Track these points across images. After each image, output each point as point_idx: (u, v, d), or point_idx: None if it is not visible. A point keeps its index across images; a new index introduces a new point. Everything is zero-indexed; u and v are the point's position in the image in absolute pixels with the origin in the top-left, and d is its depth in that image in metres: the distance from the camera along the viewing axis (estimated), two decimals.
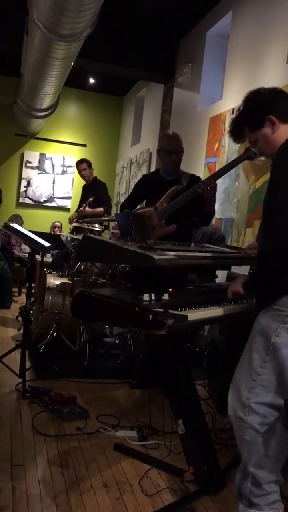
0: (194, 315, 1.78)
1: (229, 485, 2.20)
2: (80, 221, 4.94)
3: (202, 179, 3.33)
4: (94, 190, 5.71)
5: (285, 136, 1.79)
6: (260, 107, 1.82)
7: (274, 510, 1.73)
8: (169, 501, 2.03)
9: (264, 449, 1.70)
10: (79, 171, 5.87)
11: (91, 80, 8.78)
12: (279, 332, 1.64)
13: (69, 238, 5.19)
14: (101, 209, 5.45)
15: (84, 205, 5.51)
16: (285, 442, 1.71)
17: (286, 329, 1.64)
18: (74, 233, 5.06)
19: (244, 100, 1.89)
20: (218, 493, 2.14)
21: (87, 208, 5.39)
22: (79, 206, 5.81)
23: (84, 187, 5.99)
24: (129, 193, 3.80)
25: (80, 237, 4.24)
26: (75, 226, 4.97)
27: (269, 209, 1.70)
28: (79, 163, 5.86)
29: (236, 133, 1.94)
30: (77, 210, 5.80)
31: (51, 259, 5.54)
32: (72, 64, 5.45)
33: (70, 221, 5.75)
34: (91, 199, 5.52)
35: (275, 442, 1.70)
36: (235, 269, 3.10)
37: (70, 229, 5.76)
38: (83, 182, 6.12)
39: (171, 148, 3.33)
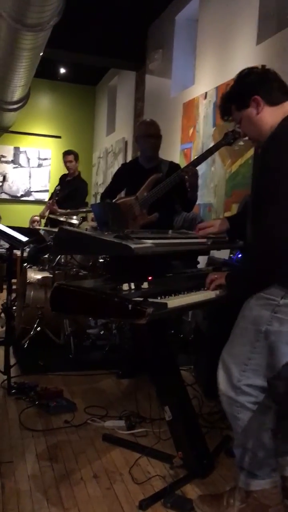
0: (174, 302, 1.77)
1: (218, 468, 2.23)
2: (52, 216, 4.85)
3: (181, 166, 3.32)
4: (73, 189, 5.52)
5: (270, 120, 1.77)
6: (248, 87, 1.80)
7: (273, 477, 1.81)
8: (160, 487, 2.04)
9: (257, 425, 1.76)
10: (65, 162, 5.68)
11: (62, 70, 8.67)
12: (270, 321, 1.67)
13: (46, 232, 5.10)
14: (68, 210, 5.26)
15: (52, 199, 5.37)
16: (274, 415, 1.78)
17: (277, 318, 1.66)
18: (49, 226, 4.96)
19: (236, 77, 1.87)
20: (208, 476, 2.16)
21: (57, 209, 5.18)
22: (51, 198, 5.67)
23: (64, 179, 5.78)
24: (108, 183, 3.77)
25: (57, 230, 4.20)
26: (51, 218, 4.89)
27: (270, 198, 1.64)
28: (66, 153, 5.67)
29: (224, 110, 1.91)
30: (48, 203, 5.65)
31: (28, 253, 5.45)
32: (41, 54, 5.36)
33: (42, 216, 5.64)
34: (57, 187, 5.40)
35: (266, 417, 1.76)
36: (214, 253, 3.11)
37: (44, 223, 5.63)
38: (60, 174, 5.96)
39: (149, 132, 3.34)
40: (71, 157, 5.60)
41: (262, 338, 1.69)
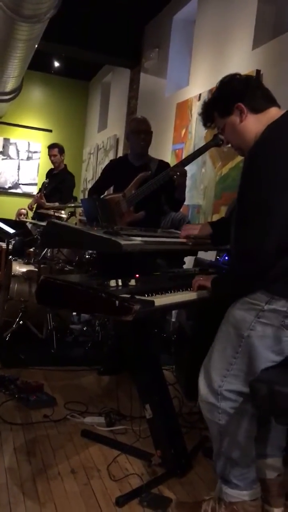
0: (161, 300, 1.77)
1: (196, 467, 2.24)
2: (40, 210, 4.83)
3: (170, 166, 3.33)
4: (60, 181, 5.51)
5: (254, 128, 1.73)
6: (232, 93, 1.77)
7: (254, 489, 1.79)
8: (137, 485, 2.04)
9: (237, 431, 1.74)
10: (50, 156, 5.67)
11: (56, 64, 8.61)
12: (253, 326, 1.66)
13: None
14: (57, 204, 5.22)
15: (40, 193, 5.34)
16: (255, 421, 1.76)
17: (260, 323, 1.65)
18: (36, 219, 4.93)
19: (218, 84, 1.84)
20: (185, 475, 2.16)
21: (45, 202, 5.15)
22: (39, 192, 5.64)
23: (51, 173, 5.80)
24: (97, 178, 3.76)
25: (45, 223, 4.17)
26: (39, 212, 4.86)
27: (252, 209, 1.62)
28: (51, 147, 5.66)
29: (207, 116, 1.88)
30: (35, 196, 5.62)
31: (13, 245, 5.41)
32: (36, 46, 5.32)
33: (30, 208, 5.60)
34: (46, 181, 5.38)
35: (247, 422, 1.74)
36: (202, 254, 3.12)
37: (32, 217, 5.59)
38: (49, 168, 5.94)
39: (140, 128, 3.34)
40: (55, 151, 5.56)
41: (244, 343, 1.68)
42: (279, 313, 1.63)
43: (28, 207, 5.75)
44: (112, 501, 1.93)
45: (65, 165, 5.66)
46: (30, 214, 7.15)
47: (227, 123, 1.80)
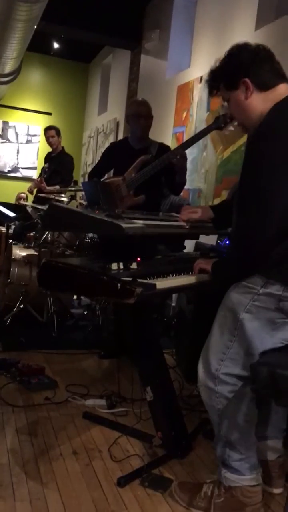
0: (162, 283, 1.78)
1: (196, 449, 2.27)
2: (43, 193, 4.81)
3: (171, 149, 3.30)
4: (58, 163, 5.51)
5: (260, 106, 1.67)
6: (238, 67, 1.70)
7: (254, 474, 1.78)
8: (138, 466, 2.07)
9: (236, 414, 1.75)
10: (47, 138, 5.64)
11: (56, 45, 8.49)
12: (248, 309, 1.66)
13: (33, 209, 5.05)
14: (57, 187, 5.14)
15: (41, 177, 5.32)
16: (254, 404, 1.76)
17: (255, 306, 1.66)
18: (36, 204, 4.91)
19: (226, 53, 1.76)
20: (185, 457, 2.19)
21: (46, 186, 5.13)
22: (40, 176, 5.63)
23: (49, 157, 5.78)
24: (97, 162, 3.73)
25: (45, 207, 4.15)
26: (40, 196, 4.85)
27: (254, 194, 1.59)
28: (47, 129, 5.64)
29: (212, 85, 1.82)
30: (35, 181, 5.61)
31: (13, 230, 5.40)
32: (35, 27, 5.24)
33: (30, 191, 5.59)
34: (45, 165, 5.35)
35: (246, 406, 1.74)
36: (203, 238, 3.11)
37: (32, 201, 5.59)
38: (48, 151, 5.92)
39: (140, 112, 3.30)
40: (52, 132, 5.54)
41: (240, 326, 1.68)
42: (274, 296, 1.63)
43: (28, 190, 5.73)
44: (114, 481, 1.95)
45: (63, 147, 5.64)
46: (30, 198, 7.12)
47: (231, 97, 1.75)
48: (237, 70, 1.70)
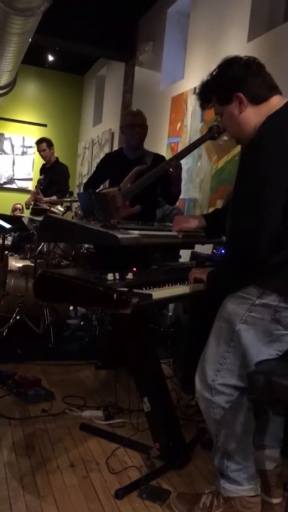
0: (158, 293, 1.78)
1: (194, 459, 2.25)
2: (38, 204, 4.82)
3: (166, 159, 3.32)
4: (54, 174, 5.51)
5: (253, 119, 1.67)
6: (231, 82, 1.69)
7: (252, 485, 1.78)
8: (136, 477, 2.05)
9: (233, 425, 1.74)
10: (39, 151, 5.69)
11: (50, 58, 8.55)
12: (244, 320, 1.66)
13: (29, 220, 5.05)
14: (54, 197, 5.16)
15: (37, 189, 5.33)
16: (252, 415, 1.76)
17: (251, 317, 1.66)
18: (33, 215, 4.92)
19: (218, 66, 1.75)
20: (184, 468, 2.17)
21: (42, 197, 5.14)
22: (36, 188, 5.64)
23: (44, 168, 5.79)
24: (92, 172, 3.75)
25: (41, 218, 4.16)
26: (35, 208, 4.86)
27: (248, 204, 1.60)
28: (38, 142, 5.68)
29: (204, 99, 1.81)
30: (32, 193, 5.62)
31: (11, 241, 5.42)
32: (30, 40, 5.28)
33: (27, 205, 5.60)
34: (41, 177, 5.37)
35: (243, 416, 1.74)
36: (198, 248, 3.12)
37: (30, 212, 5.59)
38: (42, 163, 5.93)
39: (135, 122, 3.32)
40: (43, 145, 5.56)
41: (236, 336, 1.68)
42: (270, 307, 1.64)
43: (26, 203, 5.74)
44: (111, 493, 1.94)
45: (57, 157, 5.67)
46: (27, 211, 7.12)
47: (225, 112, 1.75)
48: (231, 84, 1.70)
